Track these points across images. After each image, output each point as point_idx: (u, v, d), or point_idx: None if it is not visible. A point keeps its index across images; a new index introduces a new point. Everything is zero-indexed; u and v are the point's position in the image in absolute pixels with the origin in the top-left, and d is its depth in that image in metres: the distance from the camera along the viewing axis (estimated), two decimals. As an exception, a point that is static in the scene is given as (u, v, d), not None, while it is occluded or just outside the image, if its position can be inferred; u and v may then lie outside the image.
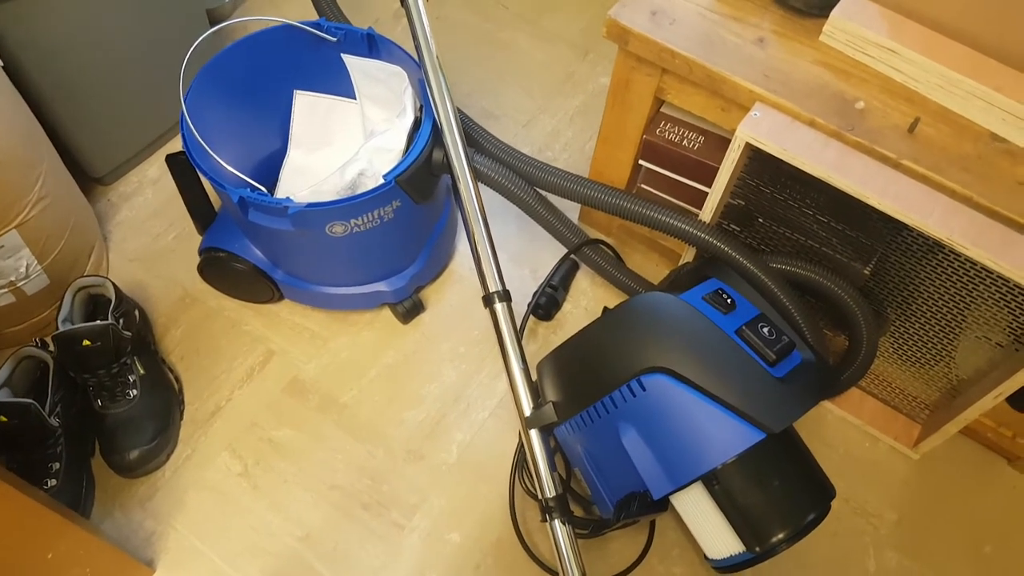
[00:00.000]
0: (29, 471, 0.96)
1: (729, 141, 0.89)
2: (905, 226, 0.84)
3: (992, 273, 0.84)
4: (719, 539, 0.80)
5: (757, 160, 0.92)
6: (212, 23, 1.31)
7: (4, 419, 0.92)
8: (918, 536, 1.04)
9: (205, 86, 1.04)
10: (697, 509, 0.81)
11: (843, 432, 1.12)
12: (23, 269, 1.03)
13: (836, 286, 0.92)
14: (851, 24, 0.89)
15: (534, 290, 1.19)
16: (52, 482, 0.96)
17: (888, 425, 1.10)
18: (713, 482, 0.77)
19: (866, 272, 0.94)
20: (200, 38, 1.01)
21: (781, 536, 0.77)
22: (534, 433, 0.92)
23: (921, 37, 0.88)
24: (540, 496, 0.91)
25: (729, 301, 0.84)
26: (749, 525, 0.78)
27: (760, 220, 1.00)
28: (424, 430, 1.10)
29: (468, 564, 1.00)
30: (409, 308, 1.16)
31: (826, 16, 0.91)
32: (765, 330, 0.80)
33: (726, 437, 0.75)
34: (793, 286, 0.93)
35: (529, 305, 1.17)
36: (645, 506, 0.81)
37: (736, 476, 0.76)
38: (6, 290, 1.04)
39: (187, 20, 1.25)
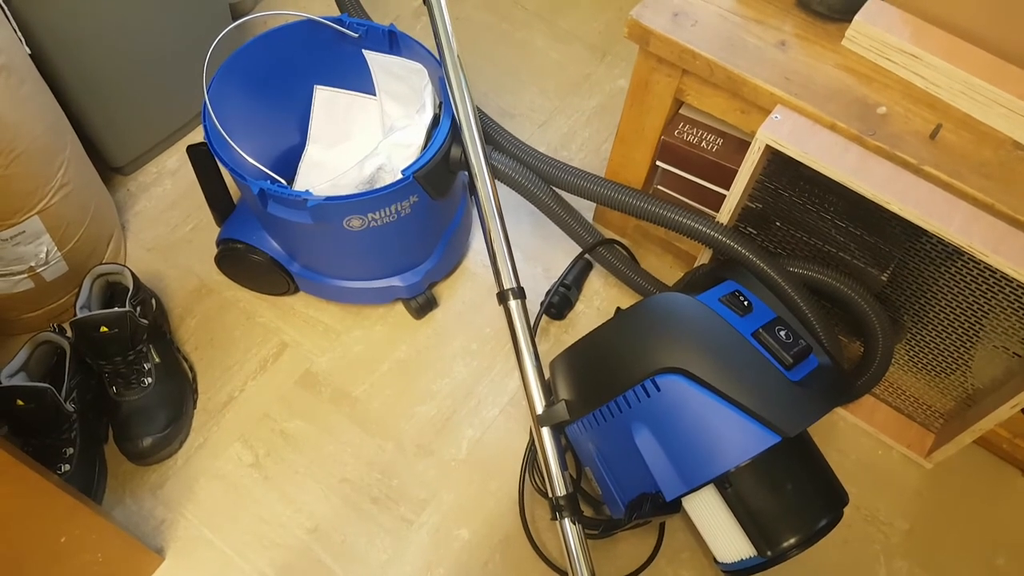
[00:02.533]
0: (43, 455, 0.96)
1: (748, 144, 0.89)
2: (924, 232, 0.83)
3: (1012, 281, 0.83)
4: (730, 542, 0.80)
5: (776, 163, 0.92)
6: (235, 17, 1.32)
7: (21, 403, 0.92)
8: (930, 546, 1.04)
9: (227, 79, 1.05)
10: (709, 512, 0.81)
11: (856, 439, 1.11)
12: (43, 255, 1.04)
13: (853, 292, 0.92)
14: (874, 29, 0.89)
15: (547, 289, 1.19)
16: (66, 467, 0.97)
17: (901, 433, 1.10)
18: (726, 485, 0.77)
19: (883, 278, 0.93)
20: (223, 32, 1.02)
21: (793, 541, 0.77)
22: (546, 431, 0.92)
23: (944, 43, 0.88)
24: (550, 495, 0.91)
25: (746, 303, 0.84)
26: (761, 529, 0.77)
27: (778, 224, 1.00)
28: (435, 425, 1.10)
29: (476, 561, 1.00)
30: (422, 303, 1.16)
31: (849, 21, 0.90)
32: (782, 333, 0.80)
33: (740, 440, 0.75)
34: (810, 291, 0.93)
35: (542, 304, 1.17)
36: (657, 507, 0.81)
37: (749, 479, 0.76)
38: (26, 275, 1.05)
39: (210, 14, 1.26)
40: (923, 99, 0.88)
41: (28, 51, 0.99)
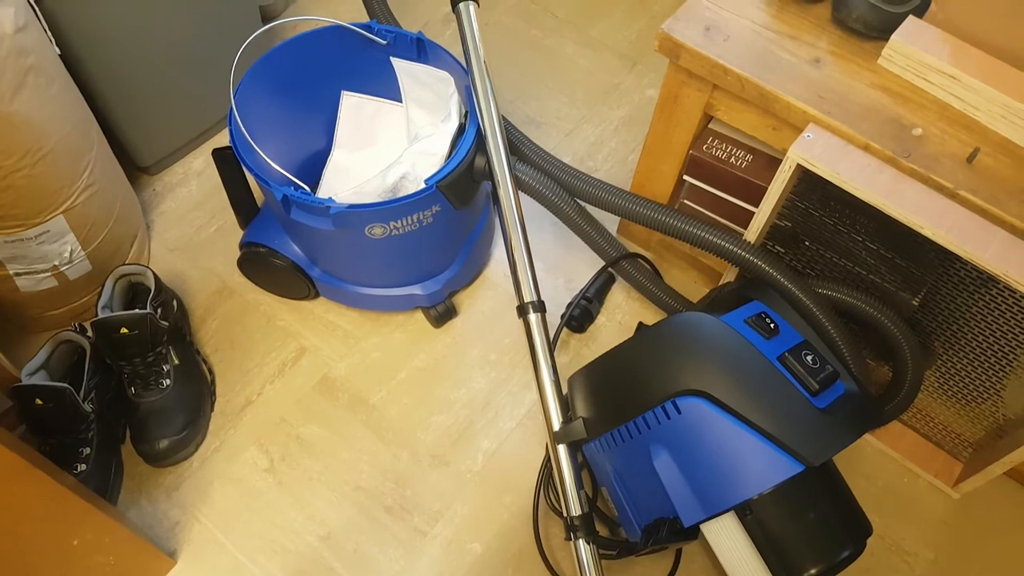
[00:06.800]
0: (60, 455, 0.97)
1: (778, 161, 0.87)
2: (958, 258, 0.81)
3: (1050, 312, 0.80)
4: (749, 571, 0.78)
5: (807, 182, 0.90)
6: (265, 21, 1.32)
7: (40, 402, 0.93)
8: (954, 579, 1.01)
9: (254, 83, 1.05)
10: (728, 539, 0.79)
11: (882, 465, 1.08)
12: (67, 254, 1.05)
13: (883, 316, 0.90)
14: (911, 48, 0.87)
15: (568, 301, 1.18)
16: (82, 467, 0.97)
17: (928, 461, 1.07)
18: (746, 512, 0.75)
19: (915, 303, 0.91)
20: (252, 35, 1.02)
21: (813, 572, 0.75)
22: (562, 448, 0.90)
23: (984, 64, 0.85)
24: (565, 514, 0.90)
25: (772, 326, 0.82)
26: (781, 559, 0.75)
27: (807, 243, 0.98)
28: (451, 436, 1.09)
29: (488, 576, 0.99)
30: (442, 312, 1.16)
31: (885, 39, 0.88)
32: (809, 358, 0.78)
33: (763, 467, 0.73)
34: (838, 313, 0.91)
35: (563, 316, 1.16)
36: (674, 533, 0.79)
37: (771, 508, 0.74)
38: (49, 274, 1.05)
39: (240, 17, 1.26)
40: (960, 121, 0.86)
41: (58, 51, 1.00)
